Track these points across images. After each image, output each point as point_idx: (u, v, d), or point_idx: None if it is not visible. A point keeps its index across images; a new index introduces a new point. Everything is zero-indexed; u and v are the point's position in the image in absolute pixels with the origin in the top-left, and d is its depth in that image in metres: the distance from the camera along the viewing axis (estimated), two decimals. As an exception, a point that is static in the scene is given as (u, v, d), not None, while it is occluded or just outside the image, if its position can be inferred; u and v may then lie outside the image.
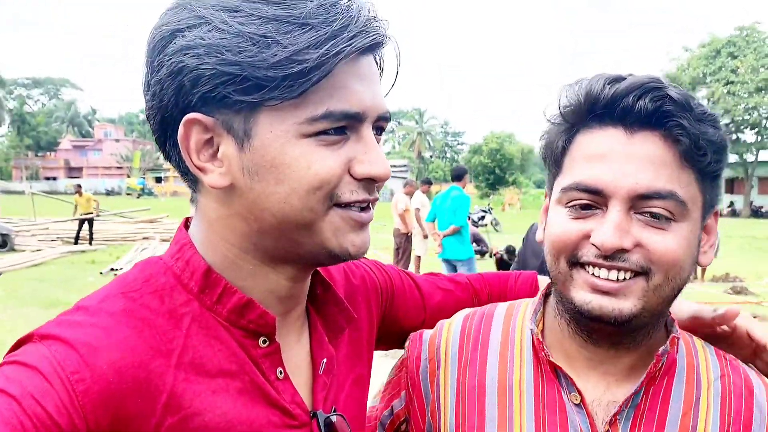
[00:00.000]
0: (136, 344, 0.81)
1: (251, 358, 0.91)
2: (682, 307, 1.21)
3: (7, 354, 0.80)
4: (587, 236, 1.00)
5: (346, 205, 0.88)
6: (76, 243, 18.72)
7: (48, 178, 79.03)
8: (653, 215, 0.98)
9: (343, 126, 0.85)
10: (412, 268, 12.92)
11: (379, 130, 0.93)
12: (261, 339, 0.91)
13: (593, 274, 1.00)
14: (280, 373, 0.93)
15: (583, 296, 1.01)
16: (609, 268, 0.99)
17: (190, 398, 0.84)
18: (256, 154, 0.84)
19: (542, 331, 1.16)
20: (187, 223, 1.00)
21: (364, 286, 1.24)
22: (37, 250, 17.07)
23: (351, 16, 0.83)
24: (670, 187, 0.97)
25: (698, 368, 1.11)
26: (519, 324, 1.20)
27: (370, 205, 0.92)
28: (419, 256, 12.77)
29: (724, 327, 1.17)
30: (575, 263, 1.03)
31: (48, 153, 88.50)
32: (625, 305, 0.99)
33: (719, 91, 44.84)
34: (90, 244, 18.65)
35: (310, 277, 1.01)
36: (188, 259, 0.91)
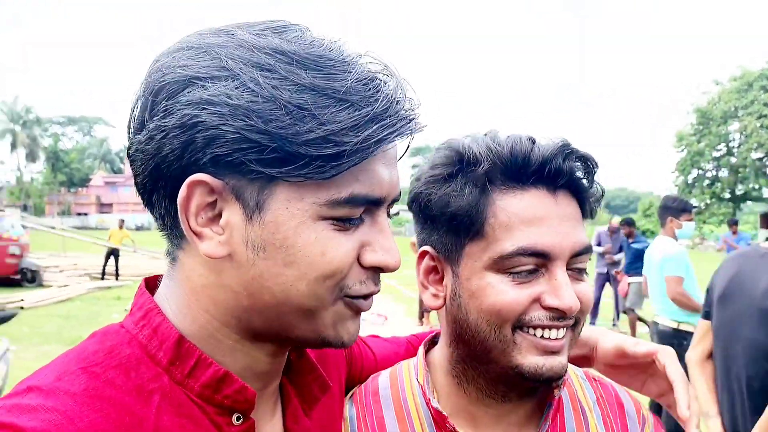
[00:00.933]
0: (103, 429, 0.70)
1: None
2: (607, 338, 1.25)
3: None
4: (537, 300, 1.00)
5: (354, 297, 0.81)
6: (102, 278, 18.91)
7: (80, 214, 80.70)
8: (579, 270, 1.04)
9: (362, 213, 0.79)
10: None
11: (389, 213, 0.87)
12: (235, 416, 0.81)
13: (543, 336, 1.01)
14: None
15: (534, 361, 1.01)
16: (558, 328, 1.01)
17: None
18: (266, 229, 0.75)
19: (438, 399, 1.13)
20: (148, 284, 0.87)
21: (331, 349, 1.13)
22: (64, 286, 17.27)
23: (390, 97, 0.76)
24: (588, 241, 1.05)
25: (578, 396, 1.17)
26: (409, 396, 1.16)
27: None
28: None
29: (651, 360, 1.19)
30: (518, 327, 1.01)
31: (80, 189, 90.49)
32: (564, 359, 1.02)
33: (752, 124, 44.21)
34: (116, 279, 18.85)
35: (287, 351, 0.91)
36: (156, 327, 0.80)
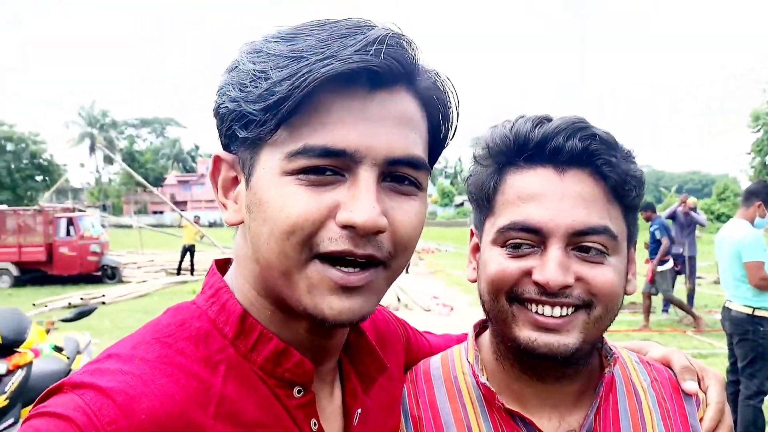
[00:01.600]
0: (174, 392, 0.76)
1: (286, 408, 0.86)
2: (656, 350, 1.28)
3: (33, 407, 0.76)
4: (528, 273, 1.02)
5: (332, 260, 0.79)
6: (178, 273, 19.46)
7: (155, 212, 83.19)
8: (589, 250, 1.02)
9: (334, 167, 0.78)
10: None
11: (402, 179, 0.82)
12: (296, 389, 0.87)
13: (536, 312, 1.02)
14: (314, 424, 0.88)
15: (527, 334, 1.02)
16: (552, 305, 1.01)
17: None
18: (251, 191, 0.82)
19: (486, 378, 1.15)
20: (219, 265, 0.96)
21: (389, 332, 1.19)
22: (142, 282, 17.93)
23: (353, 42, 0.76)
24: (603, 222, 1.02)
25: (632, 378, 1.18)
26: (460, 375, 1.19)
27: (373, 264, 0.81)
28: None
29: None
30: (514, 300, 1.04)
31: (155, 188, 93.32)
32: (569, 340, 1.01)
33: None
34: (192, 274, 19.36)
35: (345, 331, 0.95)
36: (224, 303, 0.88)
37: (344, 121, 0.77)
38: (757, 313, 5.42)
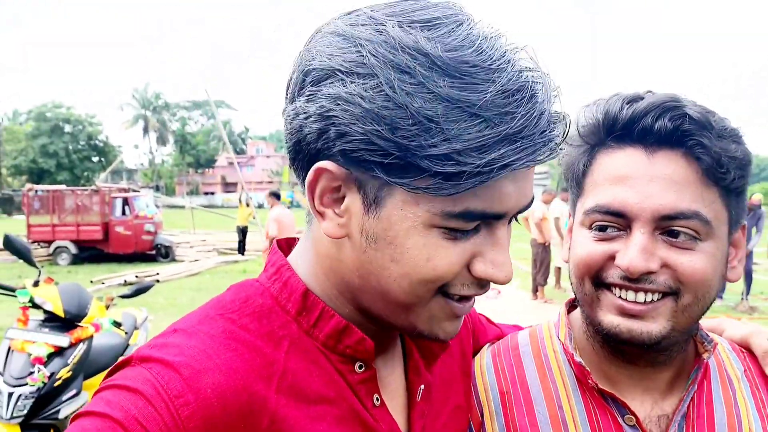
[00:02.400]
0: (238, 367, 0.78)
1: (349, 384, 0.87)
2: (735, 329, 1.22)
3: (104, 380, 0.79)
4: (612, 257, 1.00)
5: (455, 298, 0.82)
6: (242, 253, 19.70)
7: (207, 193, 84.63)
8: (678, 235, 0.97)
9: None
10: (552, 280, 12.53)
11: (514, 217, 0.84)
12: (357, 364, 0.87)
13: (620, 296, 1.00)
14: (377, 399, 0.89)
15: (611, 319, 1.01)
16: (636, 290, 0.98)
17: (290, 425, 0.80)
18: (380, 224, 0.77)
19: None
20: (281, 245, 0.97)
21: None
22: (195, 261, 18.31)
23: (532, 114, 0.70)
24: (694, 206, 0.96)
25: (725, 366, 1.14)
26: (550, 352, 1.17)
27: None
28: (559, 267, 12.32)
29: None
30: (600, 284, 1.02)
31: (206, 170, 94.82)
32: (654, 327, 0.98)
33: None
34: (242, 254, 19.65)
35: None
36: (286, 281, 0.88)
37: (510, 191, 0.75)
38: None
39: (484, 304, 10.98)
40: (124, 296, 5.04)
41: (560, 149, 0.75)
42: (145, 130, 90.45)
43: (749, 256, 11.14)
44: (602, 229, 1.02)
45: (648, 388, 1.09)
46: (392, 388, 0.95)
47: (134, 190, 23.41)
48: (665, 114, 0.97)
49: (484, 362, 1.21)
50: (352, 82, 0.72)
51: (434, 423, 0.99)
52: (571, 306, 1.23)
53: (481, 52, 0.71)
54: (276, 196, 10.93)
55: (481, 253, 0.78)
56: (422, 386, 0.97)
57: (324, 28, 0.80)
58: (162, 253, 18.93)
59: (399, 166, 0.71)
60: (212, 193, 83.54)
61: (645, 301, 0.99)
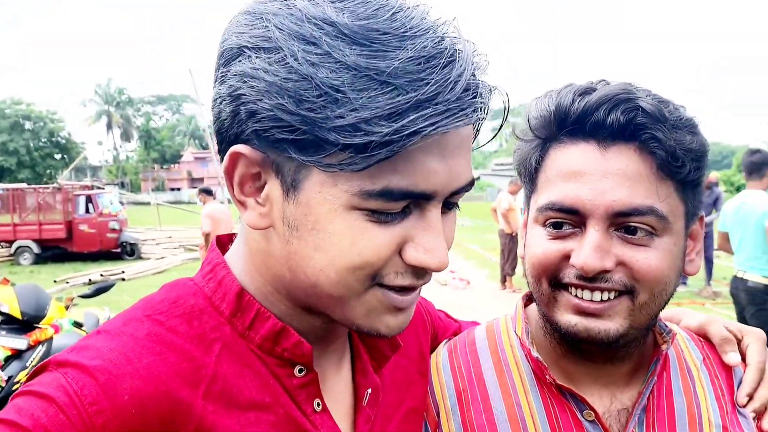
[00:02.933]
0: (161, 372, 0.74)
1: (286, 389, 0.83)
2: (692, 318, 1.21)
3: (22, 385, 0.74)
4: (567, 256, 0.97)
5: (392, 288, 0.77)
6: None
7: (173, 189, 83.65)
8: (633, 231, 0.95)
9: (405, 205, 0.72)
10: (520, 269, 12.63)
11: (451, 205, 0.79)
12: (297, 368, 0.83)
13: (576, 295, 0.98)
14: (318, 405, 0.85)
15: (568, 319, 0.99)
16: (592, 290, 0.97)
17: None
18: (300, 210, 0.73)
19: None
20: (220, 242, 0.93)
21: None
22: (161, 258, 18.10)
23: (447, 80, 0.66)
24: (648, 202, 0.94)
25: (684, 356, 1.13)
26: (507, 347, 1.15)
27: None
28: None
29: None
30: (557, 284, 1.00)
31: (172, 165, 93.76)
32: (611, 326, 0.97)
33: None
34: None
35: None
36: (221, 280, 0.84)
37: (426, 161, 0.70)
38: None
39: (452, 295, 11.04)
40: (85, 296, 4.96)
41: (480, 119, 0.71)
42: (109, 126, 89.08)
43: (709, 240, 11.35)
44: (556, 226, 0.99)
45: (607, 382, 1.08)
46: (337, 392, 0.91)
47: (98, 188, 23.13)
48: (618, 107, 0.94)
49: (440, 360, 1.18)
50: (257, 57, 0.69)
51: (384, 428, 0.95)
52: (528, 299, 1.21)
53: (395, 20, 0.68)
54: (207, 192, 10.79)
55: (413, 238, 0.74)
56: (369, 390, 0.93)
57: (240, 9, 0.77)
58: (127, 251, 18.67)
59: (309, 143, 0.68)
60: (178, 189, 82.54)
61: (601, 299, 0.97)
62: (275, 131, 0.69)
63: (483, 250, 17.94)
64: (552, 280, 1.01)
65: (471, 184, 0.78)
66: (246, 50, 0.71)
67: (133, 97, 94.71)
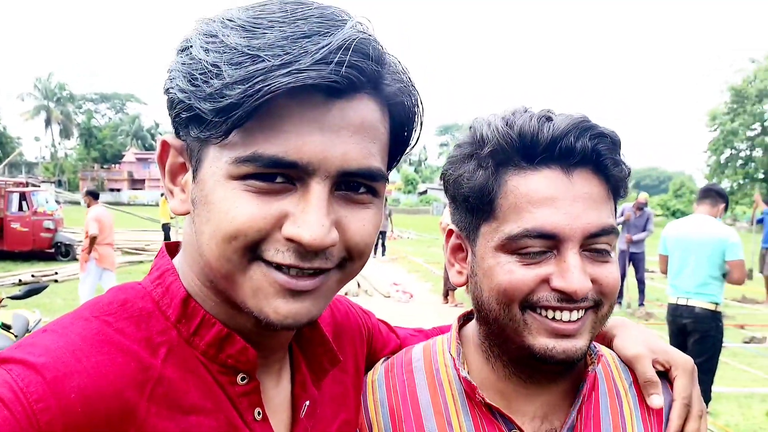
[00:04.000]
0: (108, 371, 0.73)
1: (228, 395, 0.84)
2: (629, 343, 1.21)
3: None
4: (545, 280, 0.99)
5: (277, 266, 0.77)
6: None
7: (112, 190, 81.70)
8: (602, 252, 1.01)
9: (284, 175, 0.75)
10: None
11: (356, 187, 0.79)
12: (240, 376, 0.85)
13: (553, 318, 0.99)
14: (258, 413, 0.86)
15: (544, 342, 1.00)
16: (571, 310, 0.99)
17: None
18: (198, 187, 0.79)
19: (468, 372, 1.12)
20: (169, 248, 0.93)
21: (348, 324, 1.16)
22: (97, 260, 17.50)
23: (309, 50, 0.71)
24: (610, 221, 1.01)
25: (613, 377, 1.16)
26: (442, 368, 1.16)
27: (321, 272, 0.79)
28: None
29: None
30: (528, 307, 1.01)
31: (113, 165, 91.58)
32: (580, 343, 1.00)
33: (789, 103, 42.95)
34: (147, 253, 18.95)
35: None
36: (168, 285, 0.85)
37: (298, 130, 0.73)
38: (718, 308, 5.58)
39: (395, 308, 11.06)
40: (14, 297, 4.78)
41: (338, 82, 0.72)
42: (48, 122, 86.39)
43: (641, 262, 11.66)
44: (534, 253, 0.99)
45: (542, 403, 1.10)
46: (277, 402, 0.93)
47: (33, 185, 22.34)
48: (585, 133, 0.98)
49: (376, 377, 1.19)
50: (181, 53, 0.79)
51: None
52: (465, 320, 1.22)
53: (284, 12, 0.75)
54: (93, 194, 10.57)
55: (293, 213, 0.75)
56: (307, 402, 0.95)
57: None
58: (62, 252, 18.13)
59: (195, 118, 0.75)
60: (118, 190, 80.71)
61: (577, 318, 1.00)
62: (182, 114, 0.76)
63: (427, 264, 18.06)
64: (523, 303, 1.00)
65: (371, 173, 0.79)
66: (178, 52, 0.80)
67: (75, 93, 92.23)
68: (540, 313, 1.00)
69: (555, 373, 1.08)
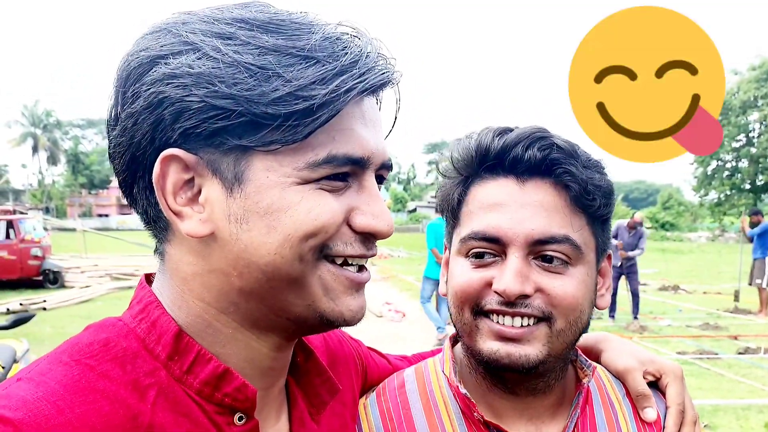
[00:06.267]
0: (95, 423, 0.67)
1: None
2: (620, 358, 1.21)
3: None
4: (489, 284, 1.02)
5: (341, 263, 0.78)
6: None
7: (101, 215, 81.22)
8: (550, 260, 1.01)
9: (345, 172, 0.76)
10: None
11: (380, 179, 0.83)
12: (237, 416, 0.78)
13: (498, 321, 1.01)
14: None
15: (490, 345, 1.01)
16: (512, 315, 1.00)
17: None
18: (249, 200, 0.73)
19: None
20: (149, 278, 0.86)
21: (343, 353, 1.12)
22: (86, 287, 17.39)
23: (359, 51, 0.75)
24: (564, 231, 1.01)
25: (606, 390, 1.17)
26: (436, 388, 1.16)
27: (366, 264, 0.83)
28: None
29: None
30: (479, 312, 1.03)
31: (101, 191, 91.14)
32: (531, 351, 1.00)
33: (772, 114, 43.44)
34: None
35: (293, 347, 0.88)
36: (154, 320, 0.78)
37: (358, 127, 0.77)
38: None
39: (387, 327, 10.99)
40: (2, 327, 4.68)
41: (397, 78, 0.78)
42: (35, 149, 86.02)
43: (635, 276, 11.68)
44: (479, 256, 1.04)
45: (531, 417, 1.11)
46: None
47: (20, 212, 22.14)
48: (534, 144, 1.01)
49: (368, 402, 1.18)
50: (176, 60, 0.71)
51: None
52: (455, 340, 1.23)
53: (291, 16, 0.76)
54: None
55: (359, 206, 0.78)
56: None
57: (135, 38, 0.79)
58: (50, 279, 17.90)
59: (247, 124, 0.70)
60: (106, 215, 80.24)
61: (522, 325, 1.01)
62: (208, 123, 0.70)
63: (418, 282, 17.97)
64: (474, 308, 1.04)
65: (391, 163, 0.85)
66: (160, 59, 0.72)
67: (62, 119, 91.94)
68: (490, 318, 1.02)
69: (527, 384, 1.08)
